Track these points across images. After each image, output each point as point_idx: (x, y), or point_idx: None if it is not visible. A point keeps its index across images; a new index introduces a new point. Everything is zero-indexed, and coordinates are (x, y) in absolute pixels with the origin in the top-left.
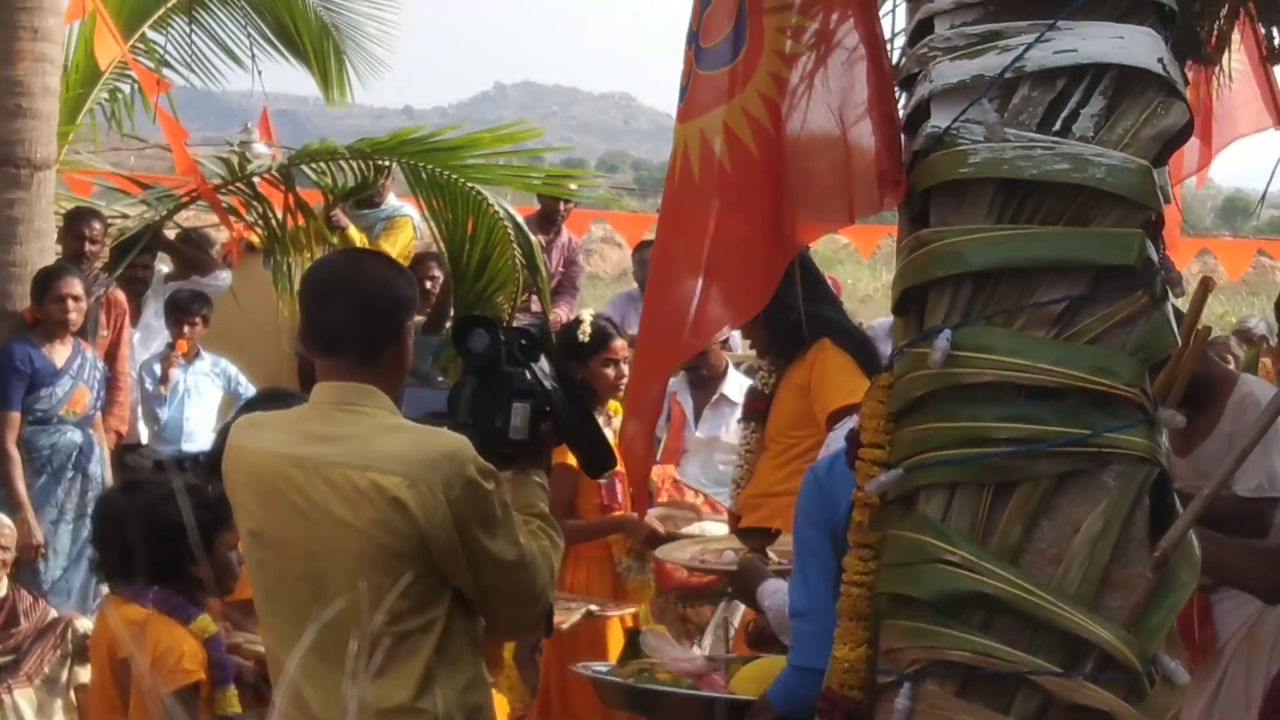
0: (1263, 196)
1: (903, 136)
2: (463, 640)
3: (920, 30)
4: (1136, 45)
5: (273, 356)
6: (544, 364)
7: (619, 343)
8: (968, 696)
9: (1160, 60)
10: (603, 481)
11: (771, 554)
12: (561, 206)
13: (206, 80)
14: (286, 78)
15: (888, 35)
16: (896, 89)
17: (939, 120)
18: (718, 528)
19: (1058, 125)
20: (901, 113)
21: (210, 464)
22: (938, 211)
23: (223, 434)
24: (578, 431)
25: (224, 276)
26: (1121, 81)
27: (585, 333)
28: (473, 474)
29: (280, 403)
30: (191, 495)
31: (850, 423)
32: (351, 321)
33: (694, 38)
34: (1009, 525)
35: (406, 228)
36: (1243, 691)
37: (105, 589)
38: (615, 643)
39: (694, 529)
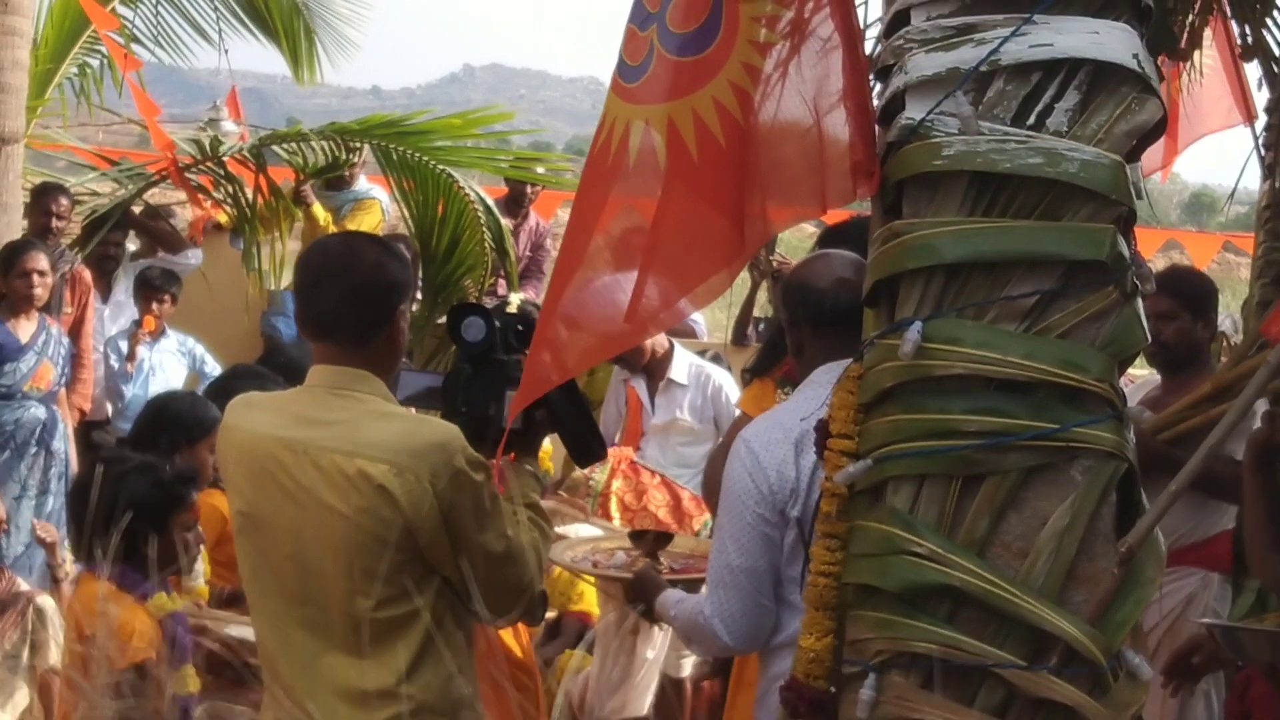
0: (1232, 192)
1: (877, 127)
2: (451, 630)
3: (896, 22)
4: (1112, 41)
5: (239, 335)
6: None
7: None
8: (933, 688)
9: (1135, 56)
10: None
11: (664, 559)
12: (529, 190)
13: (175, 57)
14: (254, 56)
15: (862, 26)
16: (871, 80)
17: (913, 112)
18: (590, 531)
19: (1032, 119)
20: (876, 104)
21: (137, 434)
22: (910, 203)
23: (152, 405)
24: (569, 420)
25: (195, 255)
26: (1096, 77)
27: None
28: (461, 464)
29: (251, 381)
30: (147, 474)
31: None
32: (344, 305)
33: (654, 19)
34: (976, 518)
35: (374, 210)
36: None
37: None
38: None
39: (570, 529)
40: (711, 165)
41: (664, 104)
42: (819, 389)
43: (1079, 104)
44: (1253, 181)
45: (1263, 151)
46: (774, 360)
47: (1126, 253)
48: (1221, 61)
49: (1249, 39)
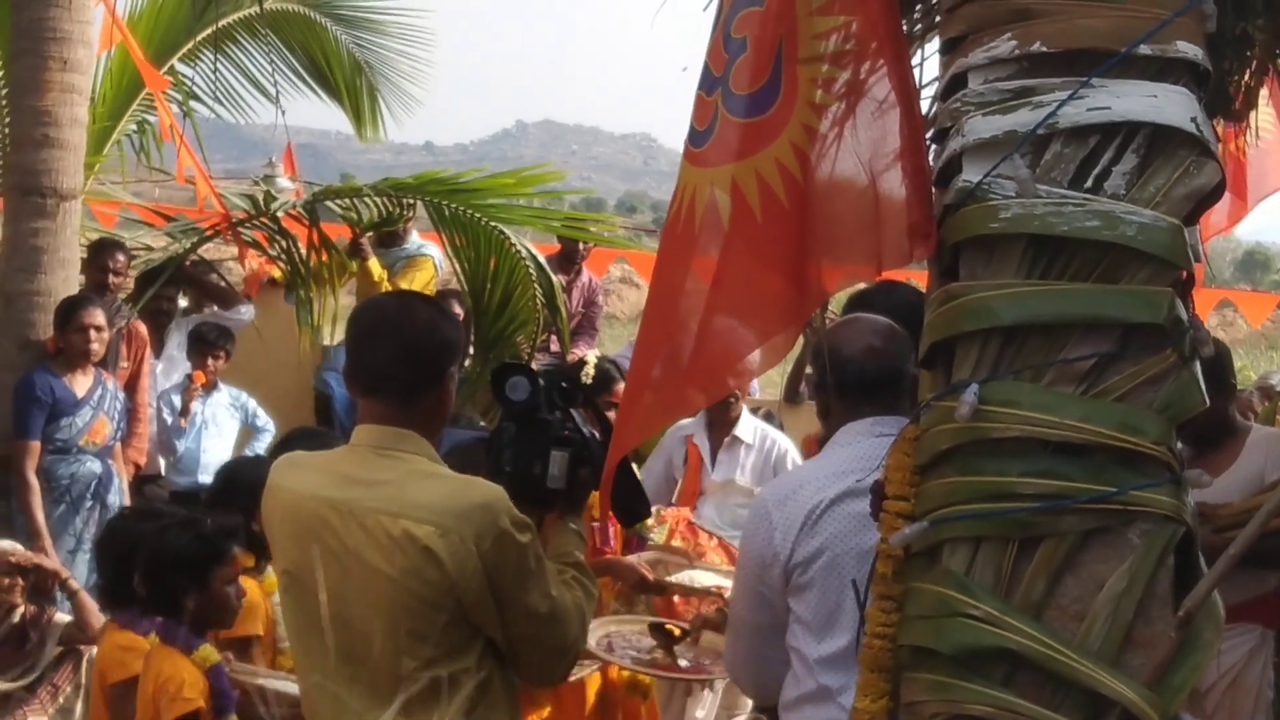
0: None
1: (934, 189)
2: (498, 688)
3: (954, 85)
4: (1170, 104)
5: (292, 390)
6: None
7: (622, 386)
8: None
9: (1193, 119)
10: (594, 524)
11: (682, 660)
12: (582, 247)
13: (234, 113)
14: (309, 112)
15: (919, 86)
16: (928, 142)
17: (970, 174)
18: (706, 576)
19: (1089, 182)
20: (933, 165)
21: (211, 499)
22: (967, 265)
23: (224, 470)
24: (614, 479)
25: (247, 310)
26: (1154, 140)
27: (589, 374)
28: (506, 525)
29: (315, 441)
30: (189, 529)
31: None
32: (394, 363)
33: (719, 83)
34: (1033, 580)
35: (427, 267)
36: None
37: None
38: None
39: (683, 576)
40: (775, 225)
41: (728, 165)
42: (842, 449)
43: (1137, 167)
44: None
45: None
46: None
47: (1184, 315)
48: (1277, 120)
49: None
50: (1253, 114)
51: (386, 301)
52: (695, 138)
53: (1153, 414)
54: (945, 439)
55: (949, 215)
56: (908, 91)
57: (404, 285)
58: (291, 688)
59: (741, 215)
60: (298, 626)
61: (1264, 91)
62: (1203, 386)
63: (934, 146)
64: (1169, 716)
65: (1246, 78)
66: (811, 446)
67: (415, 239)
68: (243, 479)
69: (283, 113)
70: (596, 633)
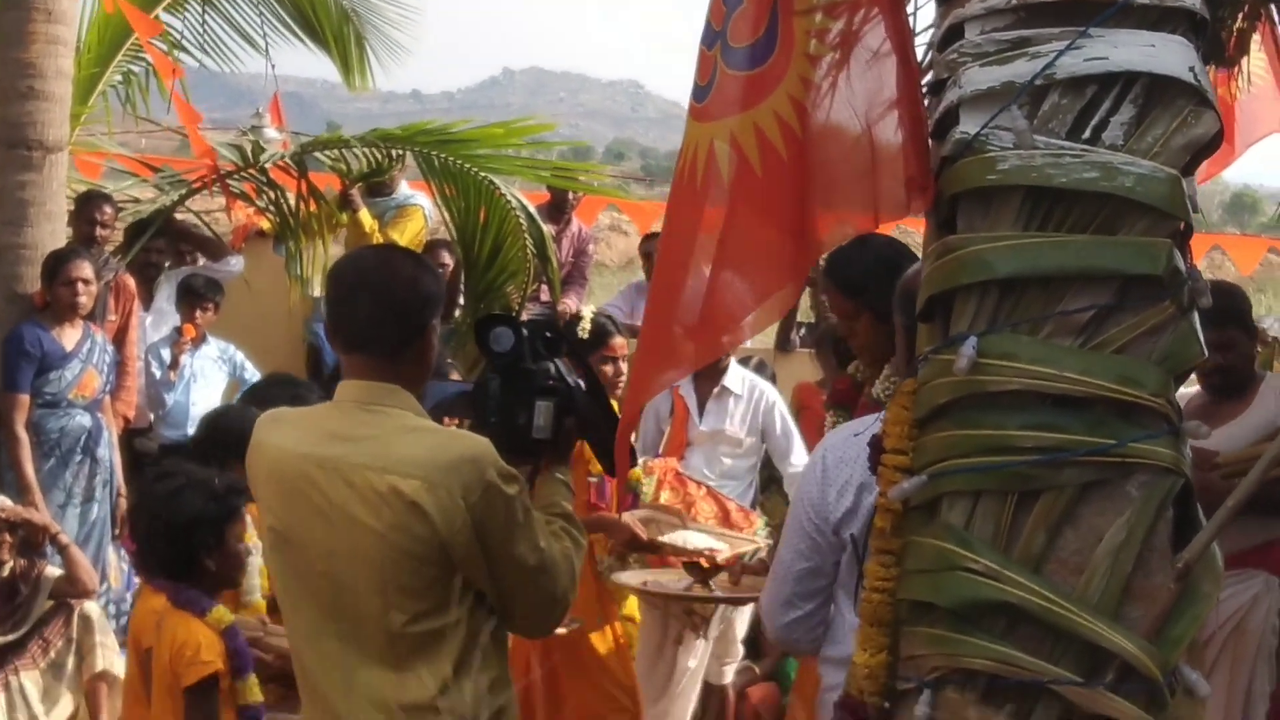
0: None
1: (930, 141)
2: (487, 642)
3: (950, 36)
4: (1168, 53)
5: (281, 342)
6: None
7: (618, 340)
8: (988, 704)
9: (1191, 69)
10: (592, 480)
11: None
12: (571, 196)
13: (220, 62)
14: (294, 60)
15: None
16: (924, 93)
17: (968, 126)
18: (699, 537)
19: (1087, 133)
20: (930, 118)
21: (196, 448)
22: (965, 218)
23: (207, 420)
24: (599, 428)
25: (236, 262)
26: (1152, 90)
27: (585, 329)
28: (493, 478)
29: (286, 389)
30: (201, 489)
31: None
32: (377, 319)
33: (718, 36)
34: (1032, 534)
35: (417, 216)
36: (1226, 685)
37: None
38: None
39: (675, 536)
40: (774, 179)
41: (729, 119)
42: None
43: (1135, 118)
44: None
45: None
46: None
47: (1183, 267)
48: (1270, 65)
49: None
50: (1244, 59)
51: (365, 256)
52: (698, 92)
53: (1151, 366)
54: (943, 392)
55: (946, 167)
56: (903, 41)
57: (394, 235)
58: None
59: (741, 169)
60: (286, 583)
61: (1255, 37)
62: (1201, 338)
63: (930, 98)
64: (1168, 668)
65: (1239, 22)
66: (805, 395)
67: (404, 189)
68: (226, 428)
69: (273, 66)
70: (635, 579)
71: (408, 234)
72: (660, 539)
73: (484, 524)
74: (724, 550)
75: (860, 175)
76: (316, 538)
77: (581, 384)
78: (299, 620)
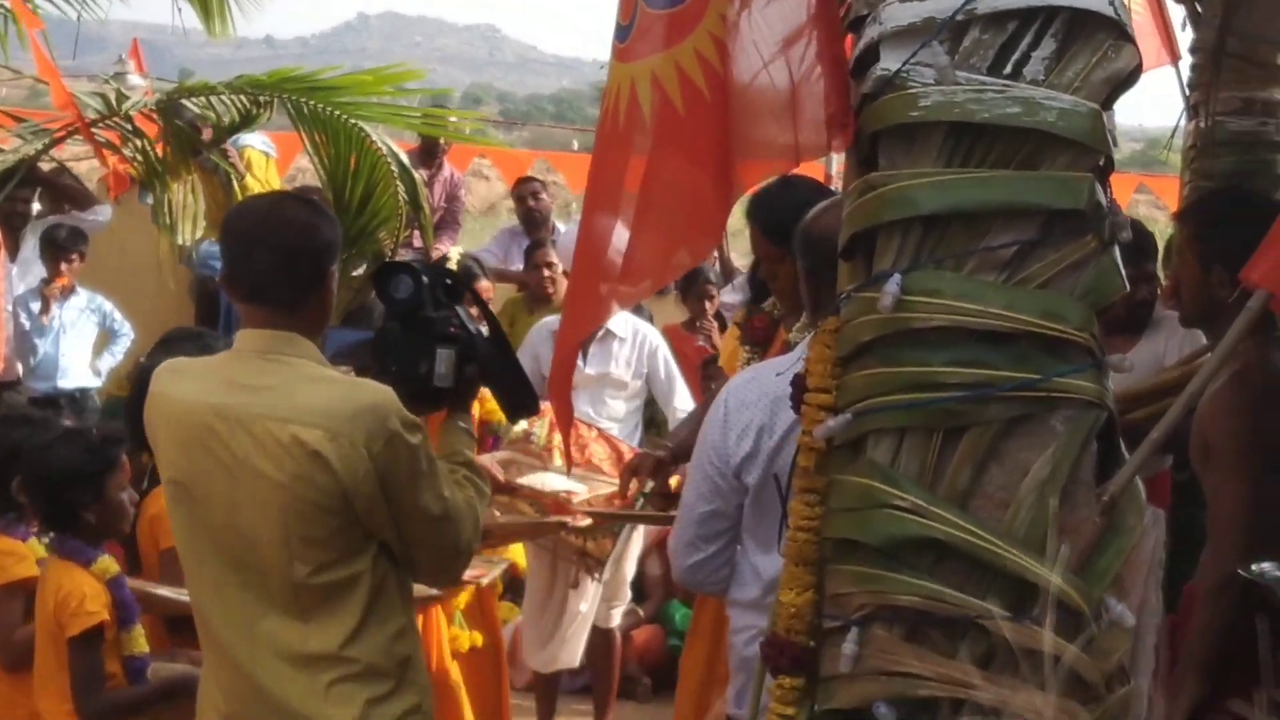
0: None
1: (851, 79)
2: (392, 591)
3: None
4: None
5: (151, 292)
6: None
7: (485, 284)
8: (916, 641)
9: (1111, 3)
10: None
11: None
12: (442, 141)
13: (79, 8)
14: (144, 6)
15: None
16: (845, 30)
17: (889, 63)
18: (557, 480)
19: (1008, 68)
20: (850, 55)
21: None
22: (887, 155)
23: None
24: (501, 375)
25: (103, 211)
26: (1072, 24)
27: None
28: (396, 427)
29: (193, 341)
30: (76, 442)
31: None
32: (275, 268)
33: None
34: (958, 470)
35: (253, 157)
36: None
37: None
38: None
39: (534, 479)
40: (697, 118)
41: (650, 59)
42: None
43: (1055, 52)
44: (1151, 120)
45: (1187, 91)
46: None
47: (1104, 201)
48: (1147, 3)
49: None
50: None
51: (259, 205)
52: (620, 33)
53: (1075, 300)
54: (867, 330)
55: (867, 104)
56: None
57: (250, 183)
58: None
59: (664, 110)
60: (187, 536)
61: None
62: (1123, 271)
63: (850, 35)
64: (1094, 601)
65: None
66: (671, 337)
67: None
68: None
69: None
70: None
71: (258, 174)
72: (518, 480)
73: (387, 473)
74: (581, 492)
75: (780, 114)
76: (218, 489)
77: (484, 331)
78: (201, 572)
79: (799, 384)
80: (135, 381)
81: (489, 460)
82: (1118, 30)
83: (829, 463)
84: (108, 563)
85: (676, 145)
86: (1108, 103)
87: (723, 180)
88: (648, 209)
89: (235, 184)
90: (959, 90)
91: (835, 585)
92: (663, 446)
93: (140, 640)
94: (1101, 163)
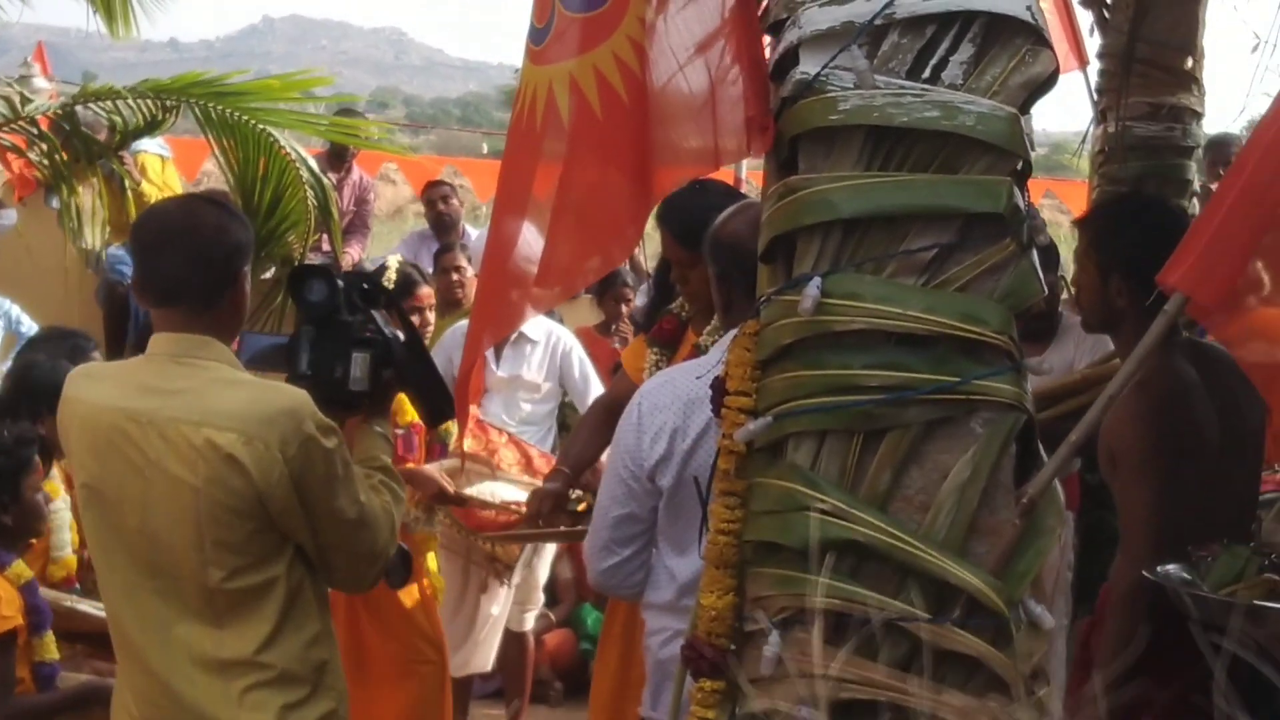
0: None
1: (770, 82)
2: (308, 596)
3: None
4: None
5: (59, 295)
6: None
7: (425, 290)
8: (836, 643)
9: (1029, 8)
10: (399, 432)
11: None
12: (351, 145)
13: None
14: (46, 8)
15: None
16: (764, 34)
17: (808, 67)
18: (507, 489)
19: (927, 72)
20: (769, 59)
21: (6, 404)
22: (806, 158)
23: (14, 374)
24: (418, 380)
25: (8, 215)
26: (990, 29)
27: (390, 279)
28: (311, 431)
29: (63, 342)
30: None
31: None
32: (187, 271)
33: None
34: (878, 472)
35: (148, 160)
36: None
37: None
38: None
39: (484, 488)
40: (614, 122)
41: (567, 62)
42: None
43: (973, 57)
44: (1056, 124)
45: (1095, 96)
46: (657, 317)
47: (1022, 204)
48: (1055, 7)
49: None
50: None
51: (170, 208)
52: (535, 35)
53: (993, 303)
54: (787, 333)
55: (786, 108)
56: None
57: (146, 188)
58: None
59: (582, 114)
60: (100, 541)
61: None
62: (1041, 275)
63: (769, 38)
64: (1014, 602)
65: None
66: (585, 340)
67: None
68: (36, 380)
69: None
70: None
71: (154, 178)
72: (467, 490)
73: (302, 477)
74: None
75: (698, 118)
76: (131, 493)
77: (400, 335)
78: (114, 577)
79: (719, 387)
80: (16, 378)
81: (436, 469)
82: (1035, 35)
83: (749, 466)
84: (21, 567)
85: (593, 149)
86: (1025, 107)
87: (640, 185)
88: (563, 213)
89: (129, 190)
90: (878, 94)
91: (756, 588)
92: (559, 471)
93: (51, 647)
94: (1019, 167)
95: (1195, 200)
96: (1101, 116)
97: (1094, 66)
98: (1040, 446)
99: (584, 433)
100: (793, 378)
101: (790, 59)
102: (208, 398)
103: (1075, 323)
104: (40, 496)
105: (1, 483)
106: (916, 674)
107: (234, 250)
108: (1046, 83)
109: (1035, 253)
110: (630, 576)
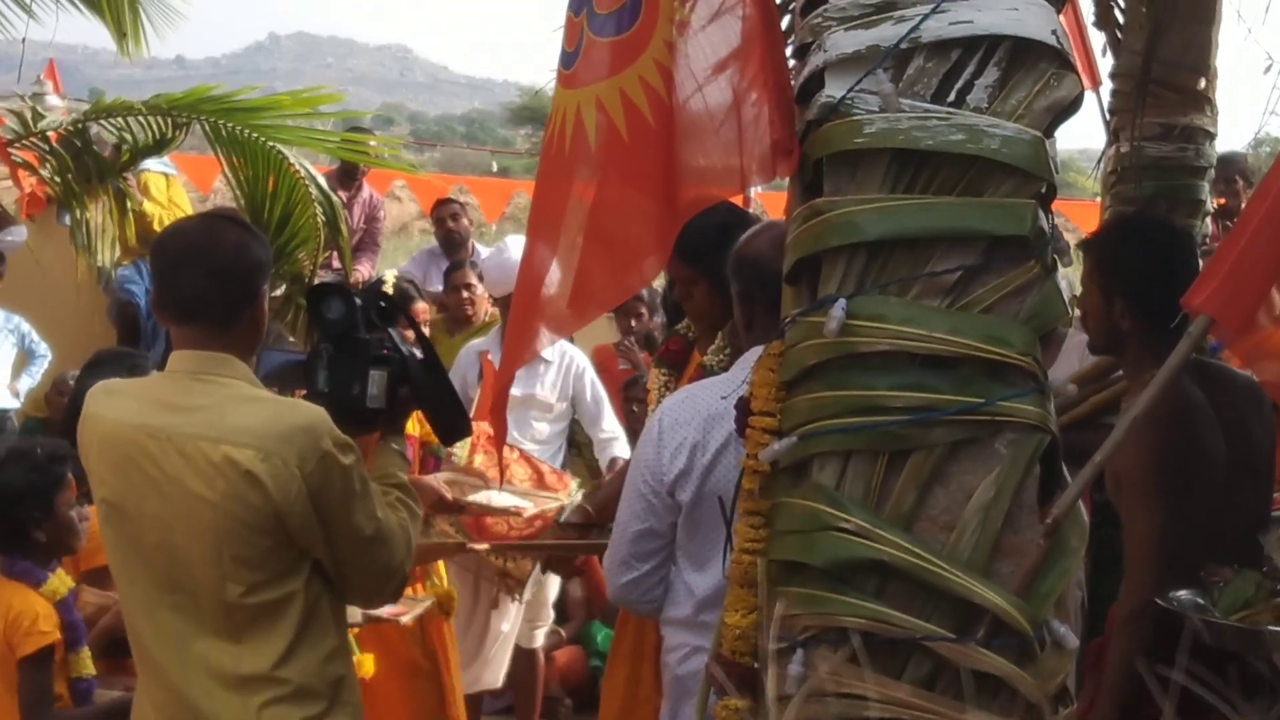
0: (1100, 159)
1: (796, 105)
2: (325, 612)
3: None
4: (1030, 17)
5: (70, 313)
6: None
7: (421, 305)
8: (861, 662)
9: (1054, 32)
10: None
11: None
12: (362, 163)
13: None
14: (56, 26)
15: (779, 2)
16: (789, 58)
17: (833, 90)
18: (503, 497)
19: (952, 96)
20: (795, 81)
21: (66, 427)
22: (832, 181)
23: (74, 398)
24: (434, 398)
25: (18, 232)
26: (1015, 53)
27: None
28: (329, 447)
29: (121, 362)
30: (21, 461)
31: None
32: (207, 289)
33: (585, 2)
34: (903, 493)
35: (153, 179)
36: None
37: None
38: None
39: (481, 497)
40: (641, 145)
41: (595, 85)
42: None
43: (999, 80)
44: (1064, 144)
45: (1108, 117)
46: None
47: (1047, 227)
48: (1068, 28)
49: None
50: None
51: (190, 226)
52: (565, 59)
53: (1018, 325)
54: (812, 354)
55: (812, 131)
56: (768, 7)
57: (149, 207)
58: None
59: (610, 136)
60: (120, 556)
61: None
62: (1065, 297)
63: (795, 62)
64: (1038, 623)
65: None
66: (602, 357)
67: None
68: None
69: (30, 22)
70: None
71: (160, 197)
72: (466, 499)
73: (320, 494)
74: (529, 508)
75: (725, 140)
76: (150, 509)
77: (417, 353)
78: (134, 592)
79: (743, 407)
80: (69, 403)
81: (435, 480)
82: (1060, 59)
83: (774, 485)
84: (57, 583)
85: (620, 172)
86: (1050, 130)
87: (665, 207)
88: (594, 235)
89: (130, 210)
90: (903, 117)
91: (781, 607)
92: (582, 509)
93: (87, 662)
94: (1043, 189)
95: (1208, 221)
96: (1114, 137)
97: (1106, 87)
98: (1064, 467)
99: (617, 482)
100: (817, 398)
101: (816, 82)
102: (226, 414)
103: (1077, 341)
104: (75, 513)
105: (35, 499)
106: (941, 693)
107: (254, 269)
108: (1071, 106)
109: (1059, 275)
110: (649, 592)
